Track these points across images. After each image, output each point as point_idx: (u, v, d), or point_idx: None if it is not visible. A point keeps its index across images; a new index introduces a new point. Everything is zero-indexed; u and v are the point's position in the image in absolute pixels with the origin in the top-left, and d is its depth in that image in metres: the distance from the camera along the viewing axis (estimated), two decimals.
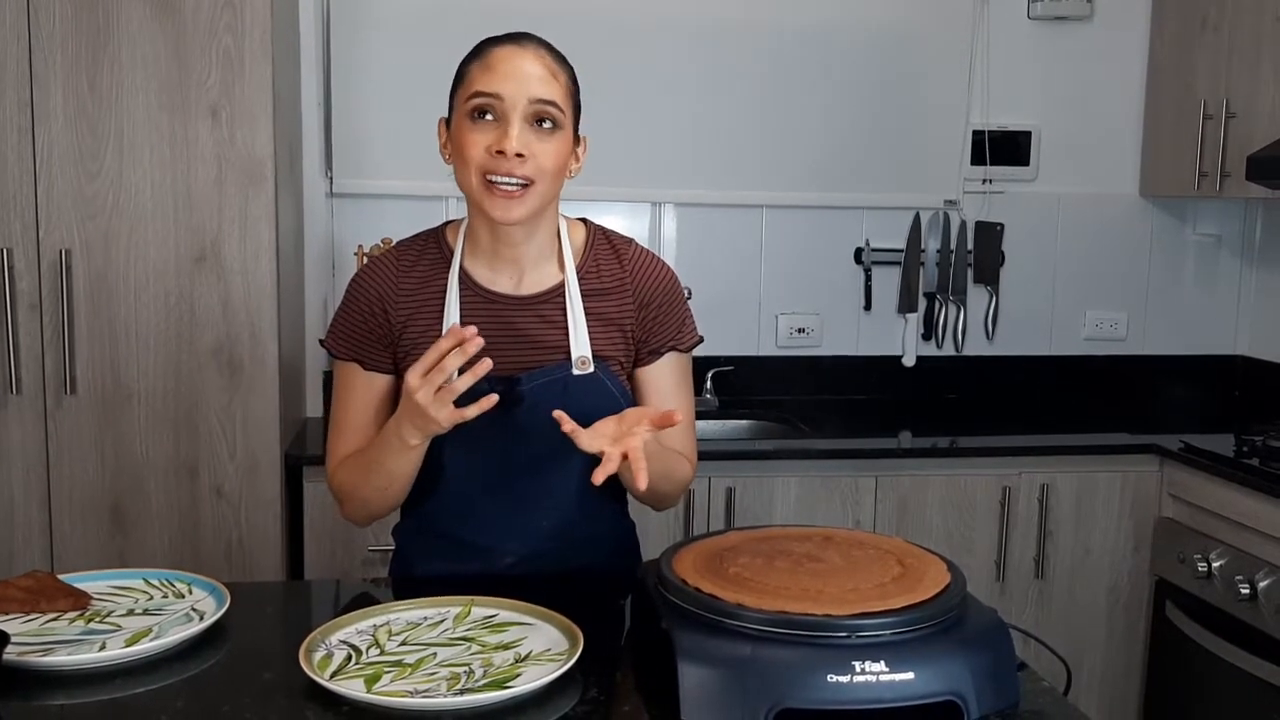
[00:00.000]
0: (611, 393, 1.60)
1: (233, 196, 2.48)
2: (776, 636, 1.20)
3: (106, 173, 2.44)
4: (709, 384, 3.21)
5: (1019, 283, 3.40)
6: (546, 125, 1.51)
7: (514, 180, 1.49)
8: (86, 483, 2.50)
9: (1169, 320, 3.51)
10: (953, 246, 3.34)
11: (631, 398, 1.65)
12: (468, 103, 1.51)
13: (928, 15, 3.25)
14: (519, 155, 1.48)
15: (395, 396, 1.62)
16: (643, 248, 1.69)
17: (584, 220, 1.69)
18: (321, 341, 1.68)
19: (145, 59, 2.42)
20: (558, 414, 1.43)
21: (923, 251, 3.34)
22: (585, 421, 1.56)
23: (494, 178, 1.50)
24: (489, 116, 1.50)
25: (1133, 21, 3.37)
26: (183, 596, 1.53)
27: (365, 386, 1.62)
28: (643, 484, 1.40)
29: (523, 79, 1.49)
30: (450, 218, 1.71)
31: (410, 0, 3.01)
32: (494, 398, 1.43)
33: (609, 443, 1.41)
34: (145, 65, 2.42)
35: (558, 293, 1.62)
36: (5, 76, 2.38)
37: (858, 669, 1.17)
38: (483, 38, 1.58)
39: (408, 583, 1.67)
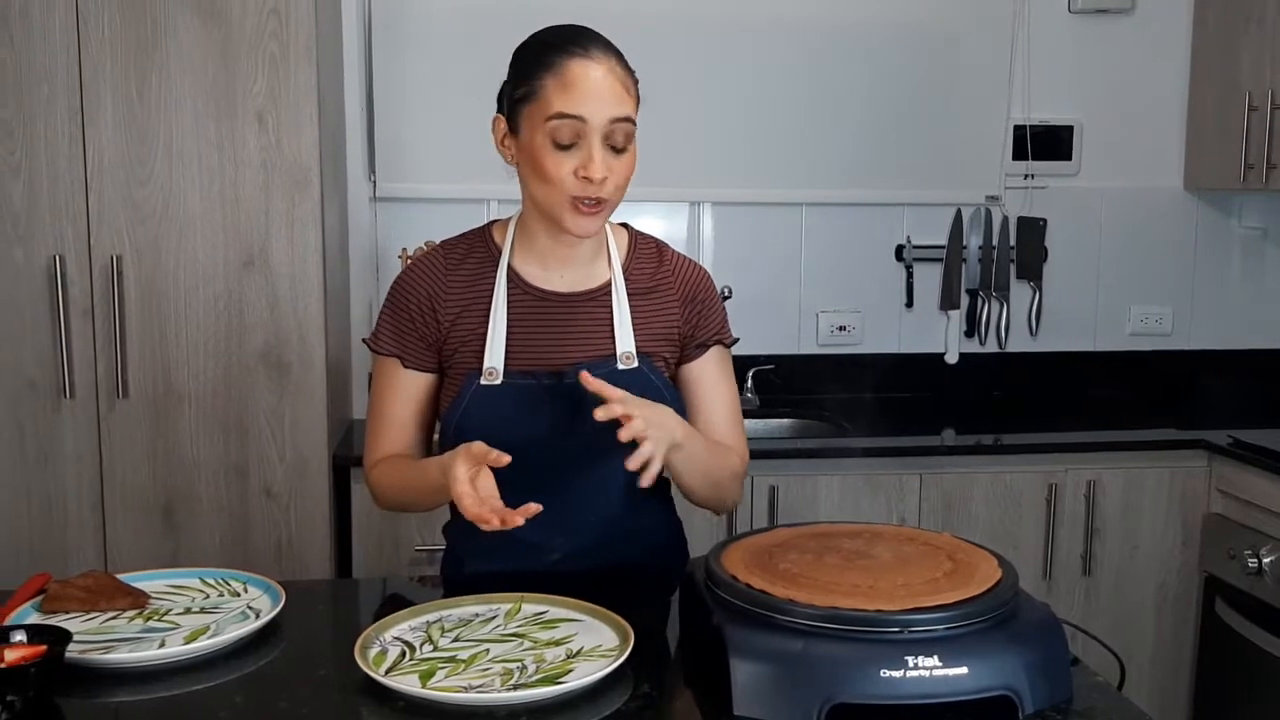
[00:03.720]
0: (657, 387, 1.63)
1: (279, 201, 2.51)
2: (828, 632, 1.21)
3: (156, 179, 2.47)
4: (750, 383, 3.21)
5: (1062, 278, 3.37)
6: (621, 143, 1.53)
7: (597, 199, 1.52)
8: (138, 484, 2.54)
9: (1215, 314, 3.46)
10: (995, 242, 3.32)
11: (676, 393, 1.67)
12: (548, 123, 1.50)
13: (968, 10, 3.23)
14: (604, 178, 1.51)
15: (434, 394, 1.67)
16: (678, 251, 1.74)
17: (624, 225, 1.73)
18: (365, 340, 1.71)
19: (193, 66, 2.46)
20: (601, 407, 1.45)
21: (964, 248, 3.32)
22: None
23: (581, 198, 1.52)
24: (570, 140, 1.51)
25: (1175, 14, 3.34)
26: (238, 595, 1.55)
27: (405, 384, 1.66)
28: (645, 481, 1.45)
29: (603, 99, 1.50)
30: (493, 218, 1.73)
31: (451, 4, 3.03)
32: (537, 508, 1.42)
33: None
34: (193, 72, 2.46)
35: (604, 291, 1.64)
36: (56, 85, 2.43)
37: (911, 664, 1.17)
38: (538, 36, 1.57)
39: (458, 580, 1.69)
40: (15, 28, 2.40)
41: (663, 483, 1.77)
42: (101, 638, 1.40)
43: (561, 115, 1.49)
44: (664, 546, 1.76)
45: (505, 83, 1.59)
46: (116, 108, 2.45)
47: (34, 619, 1.44)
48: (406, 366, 1.64)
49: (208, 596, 1.55)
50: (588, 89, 1.50)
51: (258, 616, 1.46)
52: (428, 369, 1.65)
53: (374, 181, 3.07)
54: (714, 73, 3.17)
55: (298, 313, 2.54)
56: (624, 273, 1.66)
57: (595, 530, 1.65)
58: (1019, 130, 3.30)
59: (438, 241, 1.73)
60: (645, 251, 1.70)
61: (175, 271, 2.50)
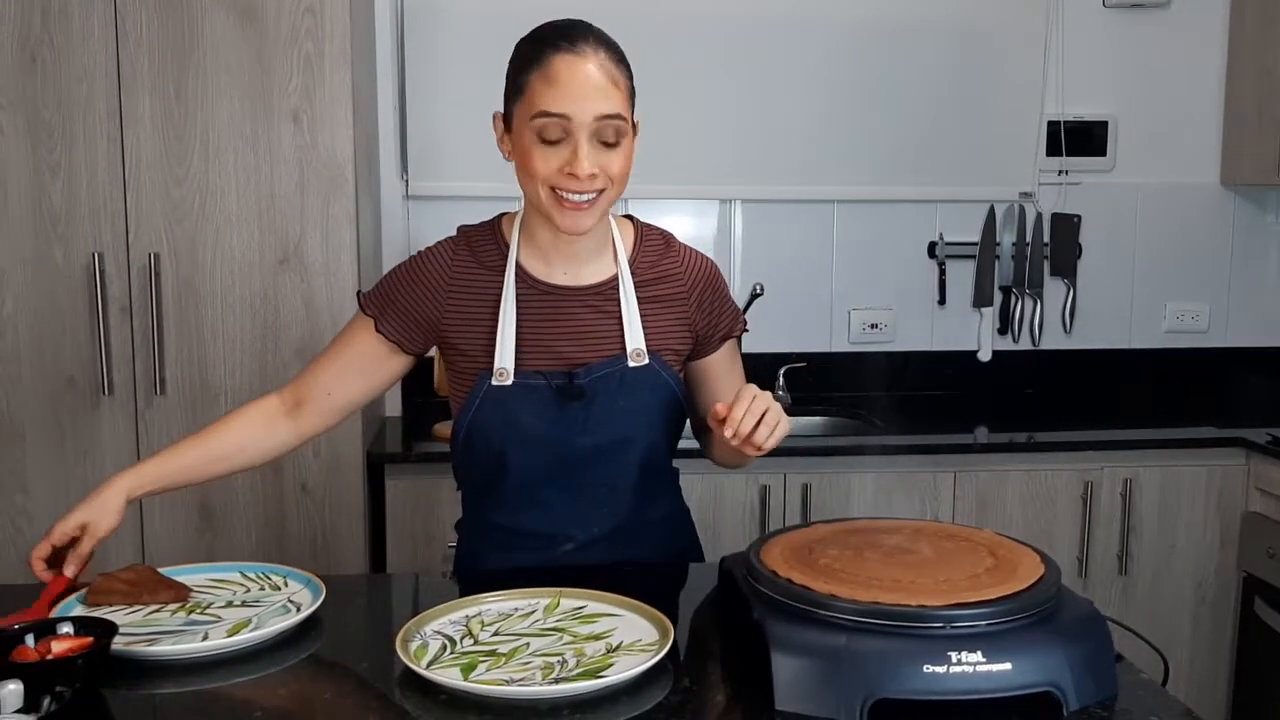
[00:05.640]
0: (667, 383, 1.65)
1: (314, 199, 2.53)
2: (871, 627, 1.20)
3: (193, 177, 2.49)
4: (781, 380, 3.20)
5: (1097, 275, 3.35)
6: (612, 139, 1.50)
7: (586, 195, 1.51)
8: None
9: (1252, 311, 3.43)
10: (1028, 239, 3.30)
11: (686, 389, 1.68)
12: (533, 121, 1.49)
13: (1001, 5, 3.22)
14: (591, 175, 1.50)
15: (383, 372, 1.67)
16: (685, 243, 1.73)
17: (630, 217, 1.72)
18: (359, 294, 1.72)
19: (229, 66, 2.47)
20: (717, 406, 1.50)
21: (998, 244, 3.30)
22: (643, 411, 1.63)
23: (564, 193, 1.51)
24: (558, 137, 1.49)
25: (1211, 7, 3.31)
26: (279, 589, 1.56)
27: (364, 342, 1.65)
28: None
29: (588, 97, 1.48)
30: (501, 211, 1.72)
31: (483, 3, 3.04)
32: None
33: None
34: (229, 72, 2.47)
35: (611, 285, 1.64)
36: (94, 85, 2.45)
37: (954, 659, 1.16)
38: (534, 31, 1.57)
39: (472, 576, 1.71)
40: (55, 29, 2.42)
41: (672, 475, 1.78)
42: (145, 630, 1.41)
43: (546, 114, 1.48)
44: (673, 535, 1.78)
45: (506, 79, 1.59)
46: (154, 107, 2.47)
47: (79, 611, 1.46)
48: (377, 330, 1.64)
49: (249, 590, 1.56)
50: (572, 86, 1.48)
51: (299, 610, 1.47)
52: (394, 340, 1.64)
53: (406, 180, 3.08)
54: (746, 70, 3.16)
55: (332, 310, 2.55)
56: (630, 266, 1.65)
57: (606, 525, 1.67)
58: (1053, 126, 3.27)
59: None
60: (652, 244, 1.69)
61: (212, 269, 2.52)
